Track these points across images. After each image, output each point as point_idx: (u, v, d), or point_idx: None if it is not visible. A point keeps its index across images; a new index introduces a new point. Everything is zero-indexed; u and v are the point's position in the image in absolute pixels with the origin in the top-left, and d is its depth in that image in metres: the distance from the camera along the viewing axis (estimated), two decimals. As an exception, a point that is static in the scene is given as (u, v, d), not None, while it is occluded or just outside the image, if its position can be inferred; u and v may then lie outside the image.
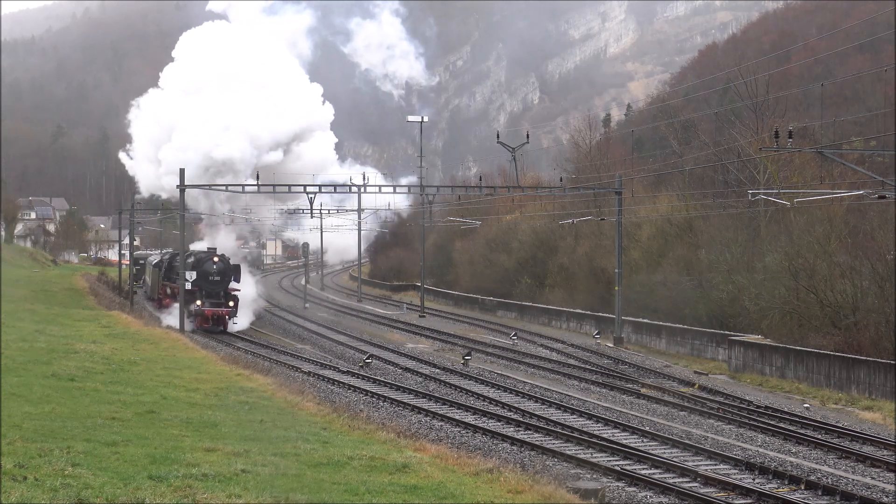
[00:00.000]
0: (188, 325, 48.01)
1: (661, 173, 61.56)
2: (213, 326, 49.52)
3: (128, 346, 32.78)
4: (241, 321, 52.12)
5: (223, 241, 58.01)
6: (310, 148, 59.02)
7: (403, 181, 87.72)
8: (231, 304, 50.59)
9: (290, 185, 47.32)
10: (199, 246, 60.23)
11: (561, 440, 24.01)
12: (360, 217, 75.49)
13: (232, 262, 52.32)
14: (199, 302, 49.65)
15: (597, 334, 49.72)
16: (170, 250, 65.07)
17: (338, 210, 75.00)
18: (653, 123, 78.42)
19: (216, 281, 50.59)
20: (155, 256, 69.76)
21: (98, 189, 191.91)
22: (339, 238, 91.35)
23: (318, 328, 55.24)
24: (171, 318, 50.55)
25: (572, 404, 29.32)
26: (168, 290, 56.70)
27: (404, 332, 54.33)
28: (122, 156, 66.62)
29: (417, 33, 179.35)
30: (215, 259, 51.02)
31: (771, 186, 46.83)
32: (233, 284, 51.33)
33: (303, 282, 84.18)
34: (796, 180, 48.11)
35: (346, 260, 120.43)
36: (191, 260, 51.38)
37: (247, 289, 55.10)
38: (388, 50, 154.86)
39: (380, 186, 48.97)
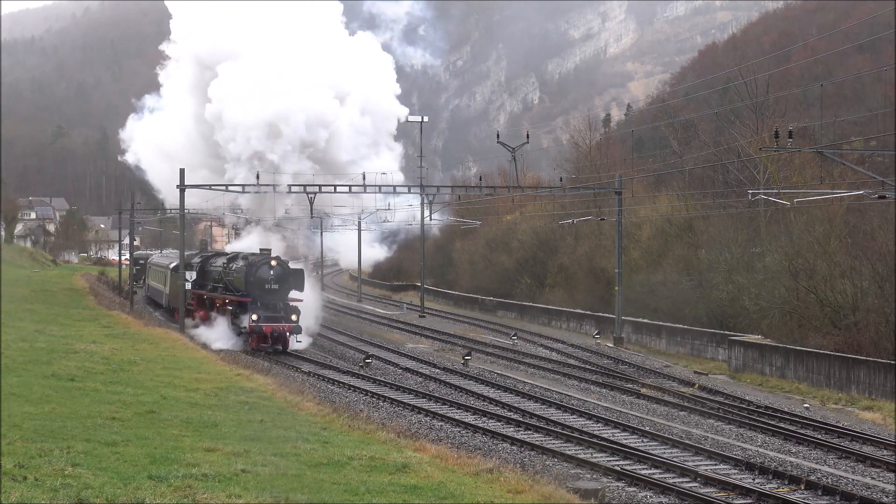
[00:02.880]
0: (239, 345, 40.83)
1: (661, 173, 61.60)
2: (271, 346, 40.56)
3: (128, 346, 32.80)
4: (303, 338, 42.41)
5: (278, 243, 49.98)
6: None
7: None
8: (294, 317, 40.78)
9: (290, 185, 46.51)
10: (240, 245, 51.71)
11: (561, 440, 24.00)
12: (360, 217, 75.35)
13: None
14: (254, 316, 40.05)
15: (597, 334, 49.73)
16: (200, 251, 54.22)
17: (334, 212, 74.33)
18: (653, 123, 78.44)
19: (273, 290, 40.80)
20: (163, 258, 63.65)
21: (98, 189, 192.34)
22: (354, 248, 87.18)
23: (317, 328, 55.11)
24: (213, 336, 42.14)
25: (572, 404, 29.31)
26: (205, 301, 45.90)
27: (404, 332, 54.30)
28: (142, 173, 63.86)
29: (442, 13, 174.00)
30: (272, 263, 40.98)
31: (771, 186, 46.86)
32: (293, 293, 41.75)
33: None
34: (796, 180, 48.13)
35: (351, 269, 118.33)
36: (241, 264, 42.21)
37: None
38: (405, 32, 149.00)
39: (379, 186, 48.04)
